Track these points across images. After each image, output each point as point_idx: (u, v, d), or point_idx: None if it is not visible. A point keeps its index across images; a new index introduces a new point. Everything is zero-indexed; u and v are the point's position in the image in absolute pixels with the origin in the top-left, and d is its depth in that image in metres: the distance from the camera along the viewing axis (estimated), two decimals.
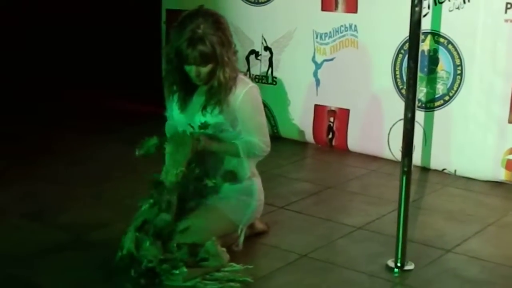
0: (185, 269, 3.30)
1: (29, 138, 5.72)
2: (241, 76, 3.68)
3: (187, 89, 3.64)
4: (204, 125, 3.53)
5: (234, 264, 3.44)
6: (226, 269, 3.40)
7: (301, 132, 5.73)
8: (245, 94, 3.59)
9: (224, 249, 3.49)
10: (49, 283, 3.36)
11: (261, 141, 3.64)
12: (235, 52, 3.65)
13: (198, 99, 3.63)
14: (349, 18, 5.29)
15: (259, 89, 3.71)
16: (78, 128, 6.04)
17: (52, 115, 6.46)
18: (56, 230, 3.90)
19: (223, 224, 3.57)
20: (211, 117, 3.55)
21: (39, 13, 7.28)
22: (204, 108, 3.56)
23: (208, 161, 3.60)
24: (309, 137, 5.70)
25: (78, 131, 5.94)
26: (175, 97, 3.67)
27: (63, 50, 7.33)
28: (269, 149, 3.69)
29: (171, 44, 3.55)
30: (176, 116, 3.68)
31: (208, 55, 3.46)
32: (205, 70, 3.51)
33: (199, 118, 3.56)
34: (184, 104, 3.64)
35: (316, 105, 5.61)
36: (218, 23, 3.51)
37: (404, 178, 3.45)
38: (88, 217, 4.09)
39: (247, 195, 3.68)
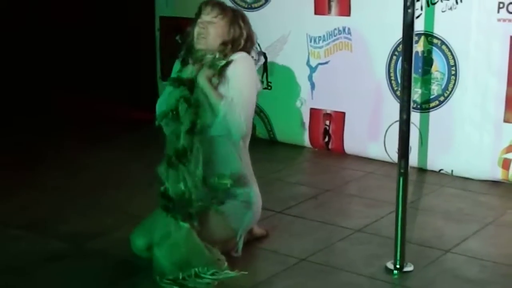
0: None
1: (26, 148, 5.72)
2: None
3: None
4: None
5: (229, 271, 3.44)
6: (220, 276, 3.40)
7: (298, 136, 5.73)
8: (238, 59, 3.57)
9: (223, 257, 3.49)
10: None
11: (242, 117, 3.54)
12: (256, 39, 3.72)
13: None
14: (342, 21, 5.31)
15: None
16: (74, 136, 6.04)
17: (48, 124, 6.45)
18: (55, 240, 3.89)
19: (222, 230, 3.56)
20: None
21: (34, 21, 7.28)
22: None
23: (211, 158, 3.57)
24: (306, 141, 5.70)
25: (75, 139, 5.94)
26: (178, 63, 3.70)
27: (58, 58, 7.32)
28: (243, 134, 3.60)
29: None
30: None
31: (224, 15, 3.53)
32: (213, 31, 3.52)
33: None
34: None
35: (311, 109, 5.61)
36: (241, 15, 3.65)
37: (401, 179, 3.46)
38: (86, 226, 4.08)
39: (245, 201, 3.66)
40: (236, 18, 3.59)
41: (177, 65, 3.71)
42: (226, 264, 3.46)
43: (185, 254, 3.36)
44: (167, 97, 3.59)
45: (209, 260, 3.38)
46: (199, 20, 3.56)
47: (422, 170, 5.10)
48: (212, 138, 3.53)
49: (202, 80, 3.51)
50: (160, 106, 3.64)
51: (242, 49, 3.60)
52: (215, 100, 3.50)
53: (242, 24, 3.60)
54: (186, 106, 3.47)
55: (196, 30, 3.57)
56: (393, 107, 4.80)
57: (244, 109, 3.55)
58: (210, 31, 3.53)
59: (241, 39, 3.58)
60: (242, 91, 3.56)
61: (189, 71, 3.56)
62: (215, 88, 3.53)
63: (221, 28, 3.53)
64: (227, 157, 3.59)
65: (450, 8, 4.80)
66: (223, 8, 3.58)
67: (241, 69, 3.58)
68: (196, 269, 3.35)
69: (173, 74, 3.70)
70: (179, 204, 3.43)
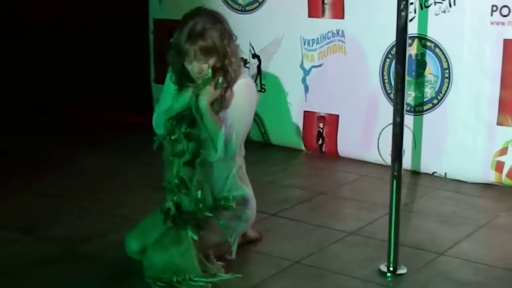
0: None
1: (20, 152, 5.71)
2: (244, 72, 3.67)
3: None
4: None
5: (222, 274, 3.43)
6: (215, 279, 3.39)
7: (291, 139, 5.73)
8: (241, 83, 3.55)
9: (220, 263, 3.50)
10: None
11: (237, 145, 3.56)
12: (237, 45, 3.62)
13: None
14: (336, 24, 5.31)
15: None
16: (68, 140, 6.03)
17: (42, 128, 6.44)
18: (49, 243, 3.89)
19: (217, 234, 3.55)
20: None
21: (28, 25, 7.27)
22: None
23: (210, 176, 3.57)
24: (299, 143, 5.71)
25: (69, 143, 5.92)
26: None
27: (52, 62, 7.31)
28: (237, 151, 3.59)
29: (173, 44, 3.52)
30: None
31: (208, 48, 3.42)
32: (206, 66, 3.45)
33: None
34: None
35: (305, 112, 5.62)
36: (216, 17, 3.53)
37: (395, 182, 3.46)
38: (80, 230, 4.08)
39: (239, 204, 3.66)
40: (221, 46, 3.46)
41: (169, 84, 3.63)
42: (223, 270, 3.46)
43: (178, 266, 3.36)
44: (163, 119, 3.54)
45: (200, 273, 3.38)
46: (187, 61, 3.46)
47: (415, 173, 5.11)
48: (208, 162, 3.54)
49: (204, 104, 3.44)
50: (157, 124, 3.62)
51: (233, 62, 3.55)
52: (215, 126, 3.46)
53: (228, 45, 3.50)
54: (187, 141, 3.45)
55: (192, 72, 3.48)
56: (386, 110, 4.81)
57: (240, 134, 3.57)
58: (204, 68, 3.46)
59: (232, 59, 3.52)
60: (242, 117, 3.57)
61: (187, 96, 3.49)
62: (216, 113, 3.49)
63: (213, 62, 3.45)
64: (223, 175, 3.62)
65: (444, 11, 4.81)
66: (207, 42, 3.41)
67: (243, 97, 3.56)
68: (190, 275, 3.35)
69: (167, 92, 3.64)
70: (189, 216, 3.43)
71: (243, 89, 3.57)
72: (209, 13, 3.54)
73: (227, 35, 3.53)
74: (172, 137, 3.46)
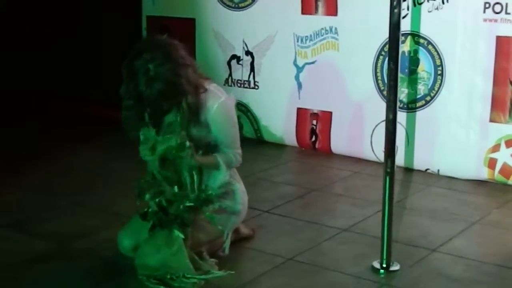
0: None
1: (11, 148, 5.69)
2: (212, 87, 3.58)
3: (155, 122, 3.54)
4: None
5: (215, 271, 3.43)
6: (208, 276, 3.39)
7: (285, 136, 5.73)
8: (217, 108, 3.52)
9: (213, 260, 3.50)
10: None
11: (236, 153, 3.61)
12: (196, 68, 3.53)
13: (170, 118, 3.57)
14: (329, 21, 5.31)
15: (233, 99, 3.65)
16: (60, 137, 6.01)
17: (34, 125, 6.43)
18: (40, 240, 3.88)
19: (207, 231, 3.55)
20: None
21: (23, 25, 7.26)
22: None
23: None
24: (293, 140, 5.71)
25: (61, 140, 5.91)
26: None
27: (45, 60, 7.29)
28: (241, 160, 3.66)
29: (128, 90, 3.44)
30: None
31: (169, 92, 3.36)
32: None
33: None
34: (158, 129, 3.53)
35: (298, 108, 5.62)
36: (166, 54, 3.37)
37: (388, 179, 3.46)
38: (72, 226, 4.07)
39: (230, 200, 3.67)
40: (186, 83, 3.41)
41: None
42: (216, 267, 3.47)
43: (171, 266, 3.36)
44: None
45: (193, 272, 3.38)
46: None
47: (408, 170, 5.11)
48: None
49: (194, 162, 3.39)
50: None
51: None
52: (212, 162, 3.50)
53: (185, 80, 3.41)
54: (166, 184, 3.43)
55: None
56: (379, 107, 4.80)
57: (236, 149, 3.62)
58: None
59: (192, 94, 3.46)
60: (231, 136, 3.60)
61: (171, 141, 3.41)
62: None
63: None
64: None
65: (437, 8, 4.81)
66: (165, 87, 3.34)
67: (222, 121, 3.56)
68: (183, 272, 3.35)
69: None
70: (173, 216, 3.41)
71: (218, 114, 3.53)
72: (156, 49, 3.38)
73: (182, 67, 3.41)
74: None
